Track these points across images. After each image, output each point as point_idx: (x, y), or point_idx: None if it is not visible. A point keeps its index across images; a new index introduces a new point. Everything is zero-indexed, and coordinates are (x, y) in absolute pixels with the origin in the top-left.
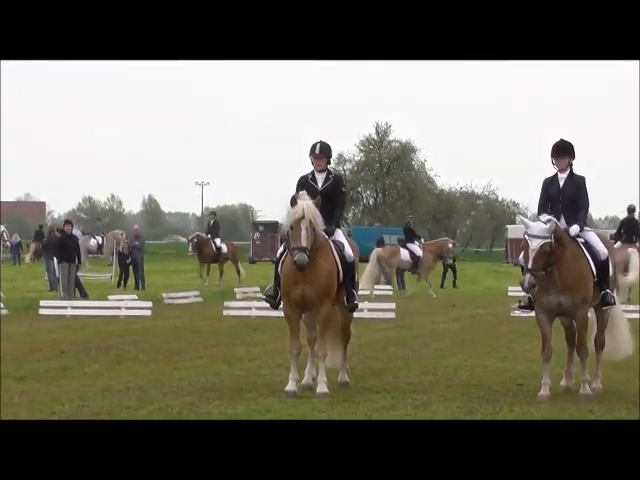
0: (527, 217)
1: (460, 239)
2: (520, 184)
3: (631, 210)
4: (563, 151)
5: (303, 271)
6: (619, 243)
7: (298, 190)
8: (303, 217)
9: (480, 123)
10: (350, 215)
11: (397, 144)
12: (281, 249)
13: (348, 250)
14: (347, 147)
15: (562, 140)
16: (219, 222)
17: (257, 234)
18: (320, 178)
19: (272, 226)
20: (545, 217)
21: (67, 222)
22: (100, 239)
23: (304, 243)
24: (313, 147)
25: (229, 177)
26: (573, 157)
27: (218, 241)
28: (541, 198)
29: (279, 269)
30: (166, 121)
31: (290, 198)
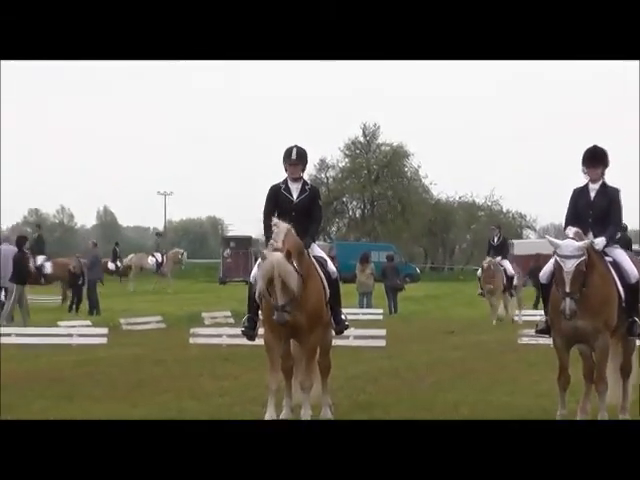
0: (535, 230)
1: (459, 256)
2: (527, 193)
3: None
4: (595, 160)
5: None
6: None
7: (269, 203)
8: (272, 279)
9: (480, 122)
10: (334, 229)
11: (387, 148)
12: (255, 272)
13: (331, 266)
14: (330, 151)
15: (595, 147)
16: (44, 236)
17: (228, 251)
18: (295, 189)
19: (244, 242)
20: (572, 230)
21: (21, 238)
22: (160, 257)
23: (280, 302)
24: (288, 152)
25: (195, 187)
26: (606, 166)
27: (40, 259)
28: (569, 210)
29: (256, 295)
30: (125, 123)
31: (259, 251)
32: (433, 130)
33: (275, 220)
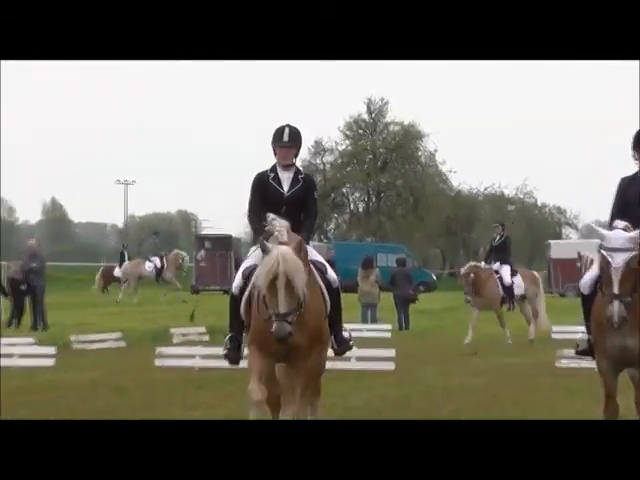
0: (576, 228)
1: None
2: (566, 184)
3: None
4: None
5: (285, 344)
6: None
7: (255, 195)
8: (277, 276)
9: (510, 102)
10: (331, 227)
11: (396, 127)
12: (239, 280)
13: (332, 273)
14: (328, 132)
15: None
16: None
17: (202, 252)
18: (286, 178)
19: (223, 242)
20: (621, 224)
21: None
22: (159, 261)
23: (283, 309)
24: (279, 132)
25: (163, 176)
26: None
27: None
28: (616, 202)
29: (241, 310)
30: (80, 107)
31: (259, 241)
32: (452, 105)
33: (272, 215)
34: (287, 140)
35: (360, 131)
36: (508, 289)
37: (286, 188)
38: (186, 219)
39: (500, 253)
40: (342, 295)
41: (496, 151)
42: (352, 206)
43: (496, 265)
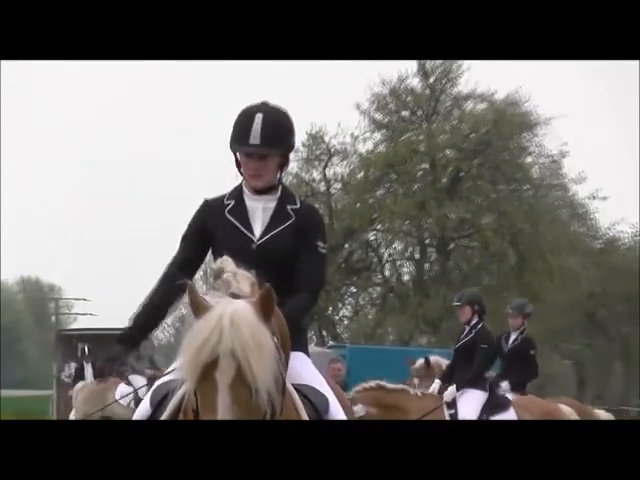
0: None
1: None
2: None
3: None
4: None
5: None
6: None
7: (190, 235)
8: (217, 362)
9: None
10: (344, 313)
11: (483, 107)
12: (144, 410)
13: (335, 409)
14: (339, 115)
15: None
16: None
17: (72, 367)
18: (258, 212)
19: (102, 341)
20: None
21: None
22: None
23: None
24: (244, 127)
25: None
26: None
27: None
28: None
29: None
30: None
31: (187, 287)
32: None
33: (225, 258)
34: (259, 142)
35: (404, 113)
36: None
37: (258, 231)
38: (34, 292)
39: (513, 363)
40: None
41: None
42: (387, 270)
43: (504, 385)
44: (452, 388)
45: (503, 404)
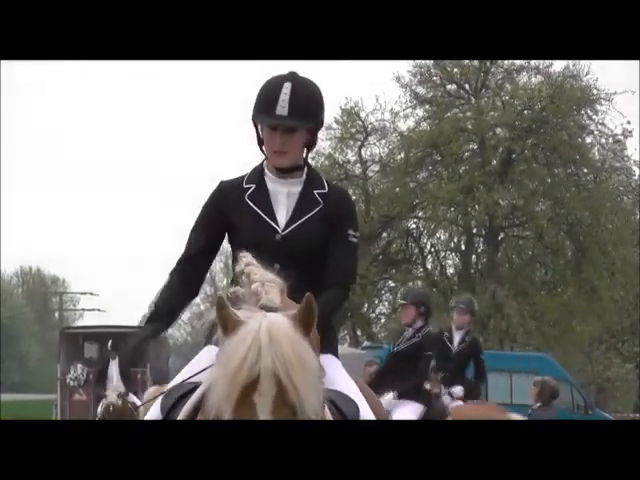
0: None
1: None
2: None
3: None
4: None
5: None
6: None
7: (204, 221)
8: (257, 383)
9: None
10: (381, 310)
11: (538, 80)
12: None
13: (366, 417)
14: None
15: None
16: None
17: (78, 369)
18: (283, 197)
19: (126, 340)
20: None
21: None
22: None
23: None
24: (269, 95)
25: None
26: None
27: None
28: None
29: None
30: None
31: (217, 298)
32: None
33: (249, 258)
34: (286, 114)
35: (450, 87)
36: None
37: (282, 219)
38: (43, 292)
39: (459, 367)
40: None
41: None
42: (430, 263)
43: (455, 390)
44: (389, 397)
45: (440, 417)
